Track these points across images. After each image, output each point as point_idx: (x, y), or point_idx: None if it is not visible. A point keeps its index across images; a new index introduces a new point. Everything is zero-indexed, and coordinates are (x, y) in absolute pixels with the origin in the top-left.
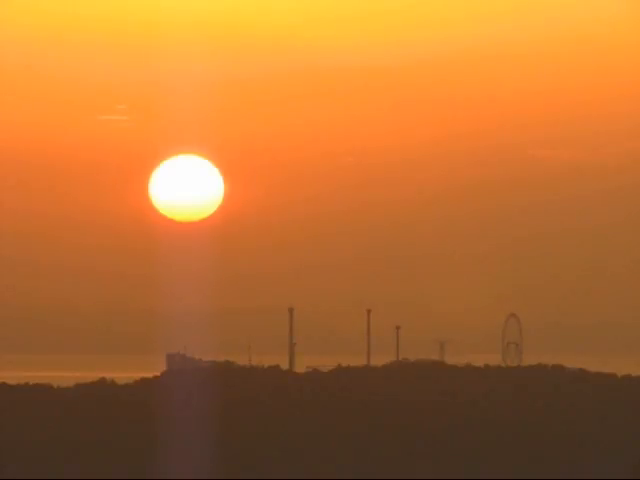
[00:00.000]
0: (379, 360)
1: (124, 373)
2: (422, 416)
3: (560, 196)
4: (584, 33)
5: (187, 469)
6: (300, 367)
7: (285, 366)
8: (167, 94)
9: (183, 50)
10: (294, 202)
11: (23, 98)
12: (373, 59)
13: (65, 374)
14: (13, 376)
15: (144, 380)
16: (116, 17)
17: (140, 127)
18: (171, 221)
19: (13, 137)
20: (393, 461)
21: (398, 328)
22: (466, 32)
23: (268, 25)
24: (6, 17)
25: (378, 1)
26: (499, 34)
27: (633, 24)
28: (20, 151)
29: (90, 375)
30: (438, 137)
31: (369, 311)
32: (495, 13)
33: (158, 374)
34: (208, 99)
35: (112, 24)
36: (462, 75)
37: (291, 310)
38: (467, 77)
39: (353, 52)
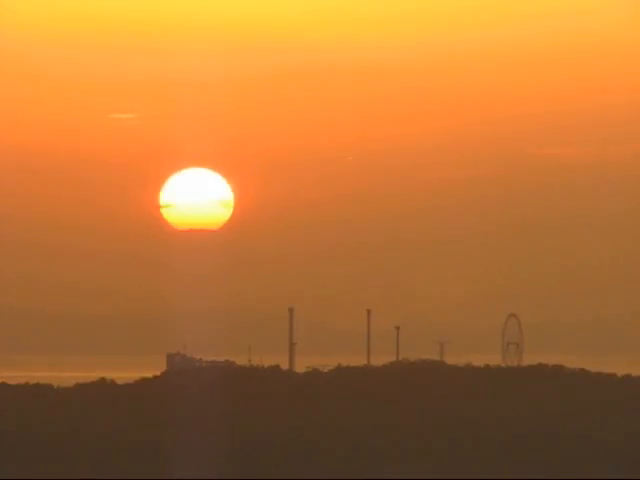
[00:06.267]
0: (379, 360)
1: (124, 373)
2: (422, 416)
3: (561, 195)
4: (587, 33)
5: (187, 469)
6: (300, 367)
7: (285, 366)
8: (174, 93)
9: (190, 49)
10: (294, 204)
11: (31, 97)
12: (377, 59)
13: (65, 374)
14: (13, 376)
15: (144, 380)
16: (123, 16)
17: (148, 126)
18: (173, 227)
19: (19, 136)
20: (393, 461)
21: (398, 328)
22: (471, 33)
23: (272, 25)
24: (16, 16)
25: (380, 1)
26: (503, 34)
27: (637, 25)
28: (28, 150)
29: (90, 375)
30: (439, 137)
31: (369, 311)
32: (500, 13)
33: (158, 374)
34: (214, 98)
35: (119, 23)
36: (465, 76)
37: (291, 310)
38: (470, 78)
39: (358, 51)
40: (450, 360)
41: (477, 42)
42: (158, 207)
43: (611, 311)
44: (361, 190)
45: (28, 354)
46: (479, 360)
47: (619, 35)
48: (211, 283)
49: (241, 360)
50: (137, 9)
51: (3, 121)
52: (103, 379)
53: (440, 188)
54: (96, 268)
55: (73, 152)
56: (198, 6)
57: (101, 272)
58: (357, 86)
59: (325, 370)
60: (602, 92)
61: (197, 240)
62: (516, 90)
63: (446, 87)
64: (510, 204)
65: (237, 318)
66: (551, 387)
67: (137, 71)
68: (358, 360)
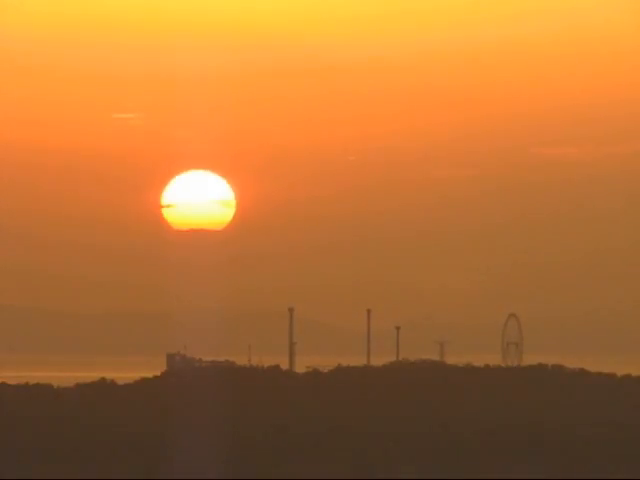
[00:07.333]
0: (379, 360)
1: (124, 373)
2: (422, 416)
3: (561, 196)
4: (588, 34)
5: (187, 469)
6: (300, 367)
7: (285, 366)
8: (176, 94)
9: (192, 51)
10: (294, 204)
11: (34, 96)
12: (378, 57)
13: (65, 374)
14: (13, 376)
15: (144, 380)
16: (125, 18)
17: (150, 126)
18: (175, 227)
19: (22, 135)
20: (393, 461)
21: (398, 328)
22: (472, 33)
23: (274, 26)
24: (19, 17)
25: (383, 1)
26: (505, 34)
27: (637, 26)
28: (31, 149)
29: (90, 375)
30: (440, 137)
31: (369, 311)
32: (500, 13)
33: (158, 374)
34: (216, 99)
35: (122, 24)
36: (466, 76)
37: (291, 310)
38: (471, 77)
39: (358, 49)
40: (450, 360)
41: (479, 41)
42: (160, 207)
43: (611, 311)
44: (361, 190)
45: (28, 354)
46: (479, 360)
47: (620, 36)
48: (211, 283)
49: (241, 360)
50: (139, 10)
51: (6, 120)
52: (103, 379)
53: (440, 188)
54: (97, 268)
55: (75, 151)
56: (200, 8)
57: (102, 272)
58: (357, 84)
59: (325, 370)
60: (603, 92)
61: (197, 241)
62: (517, 89)
63: (448, 86)
64: (510, 204)
65: (237, 318)
66: (551, 387)
67: (140, 72)
68: (358, 360)
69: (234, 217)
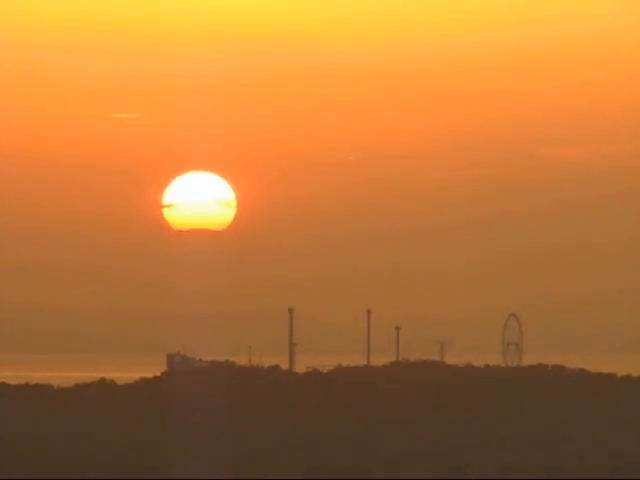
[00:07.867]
0: (379, 360)
1: (124, 373)
2: (422, 416)
3: (561, 196)
4: (586, 32)
5: (187, 469)
6: (300, 367)
7: (285, 366)
8: (177, 95)
9: (193, 52)
10: (294, 202)
11: (34, 97)
12: (376, 58)
13: (65, 374)
14: (13, 376)
15: (144, 380)
16: (126, 18)
17: (151, 127)
18: (174, 227)
19: (21, 135)
20: (393, 461)
21: (398, 328)
22: (468, 31)
23: (275, 28)
24: (20, 19)
25: (384, 4)
26: (507, 38)
27: (635, 23)
28: (30, 148)
29: (90, 375)
30: (440, 137)
31: (369, 311)
32: (497, 12)
33: (158, 374)
34: (217, 100)
35: (122, 25)
36: (464, 74)
37: (291, 310)
38: (469, 76)
39: (357, 51)
40: (450, 360)
41: (478, 42)
42: (160, 208)
43: (611, 311)
44: (362, 191)
45: (28, 354)
46: (479, 360)
47: (619, 39)
48: (211, 283)
49: (241, 360)
50: (140, 11)
51: (6, 119)
52: (103, 379)
53: (441, 188)
54: (96, 268)
55: (74, 151)
56: (201, 8)
57: (101, 272)
58: (359, 89)
59: (325, 370)
60: (605, 93)
61: (198, 241)
62: (516, 90)
63: (446, 87)
64: (510, 204)
65: (237, 318)
66: (551, 387)
67: (141, 73)
68: (358, 360)
69: (235, 217)
